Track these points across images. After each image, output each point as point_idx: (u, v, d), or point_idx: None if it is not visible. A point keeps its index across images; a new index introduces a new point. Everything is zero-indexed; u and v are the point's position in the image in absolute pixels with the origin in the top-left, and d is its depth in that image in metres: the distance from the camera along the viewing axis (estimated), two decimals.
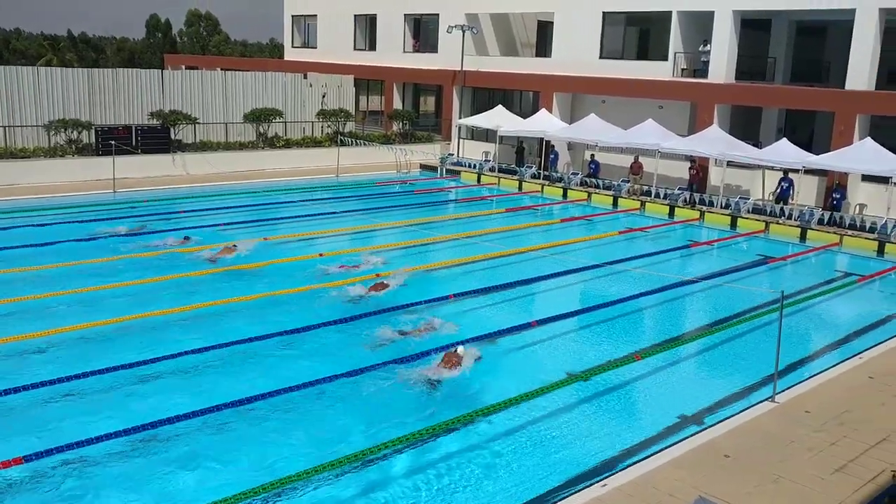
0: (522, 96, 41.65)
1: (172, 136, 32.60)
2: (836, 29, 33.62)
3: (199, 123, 34.09)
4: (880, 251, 24.36)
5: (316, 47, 51.37)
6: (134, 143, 31.08)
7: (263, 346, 14.06)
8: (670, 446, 11.00)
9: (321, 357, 13.83)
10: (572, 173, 33.92)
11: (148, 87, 33.70)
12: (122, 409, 11.63)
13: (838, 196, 26.83)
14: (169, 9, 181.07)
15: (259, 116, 35.40)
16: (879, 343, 15.67)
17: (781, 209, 27.45)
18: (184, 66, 51.64)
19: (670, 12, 33.31)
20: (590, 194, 31.75)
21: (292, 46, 54.06)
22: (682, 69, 33.76)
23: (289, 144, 36.31)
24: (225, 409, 11.35)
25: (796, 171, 27.24)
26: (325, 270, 19.05)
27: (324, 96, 39.44)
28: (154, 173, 30.96)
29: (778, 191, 28.09)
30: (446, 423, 11.23)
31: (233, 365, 13.47)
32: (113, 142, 29.40)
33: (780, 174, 28.21)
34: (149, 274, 18.05)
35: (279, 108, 36.71)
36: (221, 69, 41.82)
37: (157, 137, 31.84)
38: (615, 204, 30.68)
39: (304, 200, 28.23)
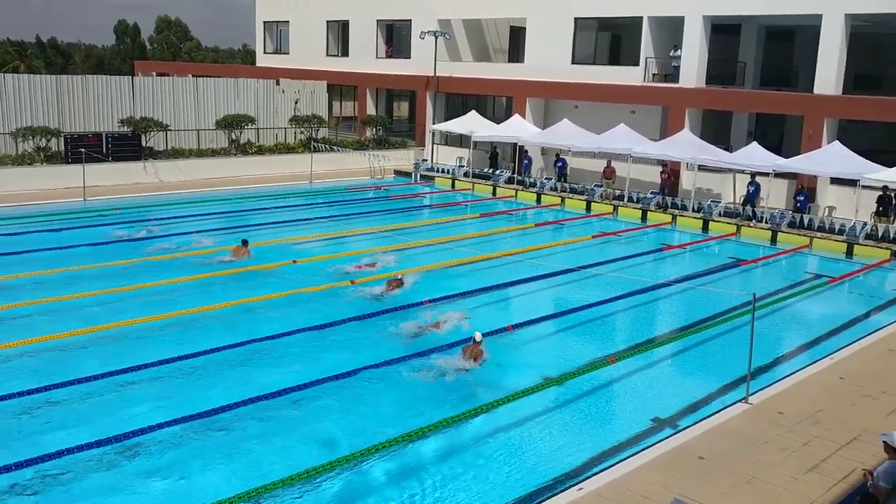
0: (496, 102, 41.76)
1: (144, 144, 32.30)
2: (805, 34, 34.08)
3: (170, 130, 33.81)
4: (849, 253, 24.68)
5: (288, 53, 51.16)
6: (104, 150, 30.76)
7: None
8: (645, 449, 11.06)
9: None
10: (546, 178, 34.05)
11: (118, 94, 33.36)
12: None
13: (802, 199, 27.16)
14: (137, 15, 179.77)
15: (231, 123, 35.18)
16: (850, 344, 15.88)
17: (753, 212, 27.74)
18: (154, 73, 51.23)
19: (641, 18, 33.57)
20: (563, 199, 31.88)
21: (264, 52, 53.81)
22: (654, 74, 34.03)
23: (261, 151, 36.12)
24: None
25: (766, 174, 27.54)
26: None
27: (296, 102, 39.29)
28: (125, 181, 30.65)
29: (745, 194, 28.40)
30: (419, 430, 11.19)
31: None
32: (83, 149, 29.06)
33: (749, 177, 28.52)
34: (126, 279, 17.90)
35: (251, 114, 36.51)
36: (193, 76, 41.50)
37: (127, 145, 31.54)
38: (588, 208, 30.83)
39: (277, 207, 28.05)
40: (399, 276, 18.70)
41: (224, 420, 11.62)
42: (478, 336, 14.20)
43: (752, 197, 28.16)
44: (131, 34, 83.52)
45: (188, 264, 19.89)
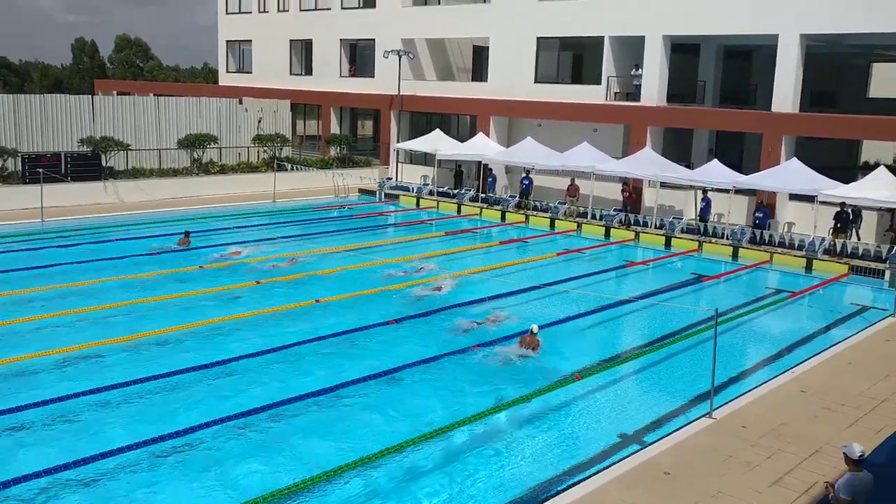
0: (460, 120, 41.94)
1: (104, 163, 31.87)
2: (762, 53, 34.77)
3: (131, 150, 33.42)
4: (808, 268, 25.07)
5: (251, 72, 50.98)
6: (63, 170, 30.29)
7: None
8: (611, 465, 11.07)
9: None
10: (510, 196, 34.21)
11: (77, 114, 32.91)
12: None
13: (761, 215, 27.58)
14: (94, 34, 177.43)
15: (193, 142, 34.88)
16: (810, 357, 16.08)
17: (705, 227, 28.11)
18: (115, 92, 50.70)
19: (602, 37, 34.00)
20: (527, 216, 32.03)
21: (227, 71, 53.56)
22: (616, 93, 34.44)
23: (224, 170, 35.84)
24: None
25: (726, 191, 27.91)
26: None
27: (259, 121, 39.11)
28: (85, 201, 30.20)
29: (699, 209, 28.81)
30: (379, 452, 11.11)
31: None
32: (41, 169, 28.58)
33: (713, 194, 28.88)
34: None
35: (214, 133, 36.25)
36: (154, 94, 41.14)
37: (87, 165, 31.09)
38: (552, 226, 30.99)
39: (240, 227, 27.79)
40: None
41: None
42: (535, 328, 16.00)
43: (704, 212, 28.58)
44: (89, 53, 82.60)
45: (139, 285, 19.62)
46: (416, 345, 16.14)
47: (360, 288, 20.06)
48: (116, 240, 24.91)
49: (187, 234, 24.45)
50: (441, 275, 21.05)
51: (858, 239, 26.06)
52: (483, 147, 35.01)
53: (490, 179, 35.40)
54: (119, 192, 31.47)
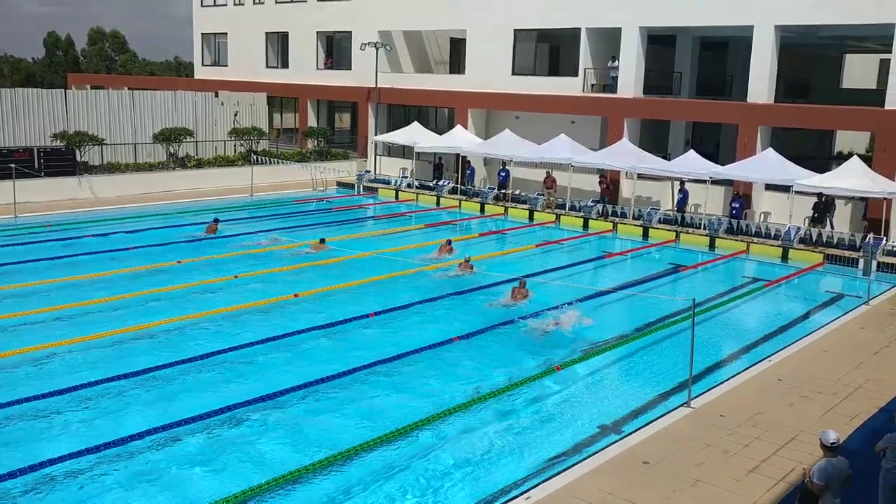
0: (438, 113, 41.87)
1: (78, 158, 31.52)
2: (737, 44, 34.99)
3: (105, 144, 33.08)
4: (784, 257, 25.31)
5: (227, 65, 50.55)
6: (36, 165, 29.93)
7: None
8: (591, 456, 11.13)
9: None
10: (489, 188, 34.23)
11: (50, 108, 32.52)
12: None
13: (737, 206, 27.80)
14: (68, 27, 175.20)
15: (169, 136, 34.59)
16: (787, 346, 16.25)
17: (683, 217, 28.30)
18: (89, 86, 50.09)
19: (579, 29, 34.04)
20: (506, 209, 32.07)
21: (203, 65, 53.06)
22: (592, 85, 34.52)
23: (201, 164, 35.57)
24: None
25: (703, 181, 28.09)
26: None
27: (236, 115, 38.84)
28: (59, 197, 29.88)
29: (676, 201, 29.01)
30: (346, 451, 11.11)
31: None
32: (13, 165, 28.22)
33: (690, 185, 29.07)
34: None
35: (190, 127, 35.96)
36: (129, 88, 40.72)
37: (61, 160, 30.74)
38: (531, 217, 31.06)
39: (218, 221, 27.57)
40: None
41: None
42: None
43: (681, 203, 28.78)
44: (63, 47, 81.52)
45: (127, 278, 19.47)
46: (393, 338, 16.15)
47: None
48: (97, 235, 24.65)
49: (217, 220, 25.59)
50: (459, 259, 22.21)
51: (833, 228, 26.34)
52: (461, 139, 34.99)
53: (469, 172, 35.40)
54: (94, 188, 31.15)
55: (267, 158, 36.67)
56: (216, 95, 38.82)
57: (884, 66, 32.43)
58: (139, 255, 22.24)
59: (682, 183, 28.85)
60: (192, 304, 17.89)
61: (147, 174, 33.29)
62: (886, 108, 26.63)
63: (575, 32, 34.35)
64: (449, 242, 23.92)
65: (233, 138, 37.79)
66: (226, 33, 50.50)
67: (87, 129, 32.63)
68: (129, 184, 32.04)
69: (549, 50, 38.45)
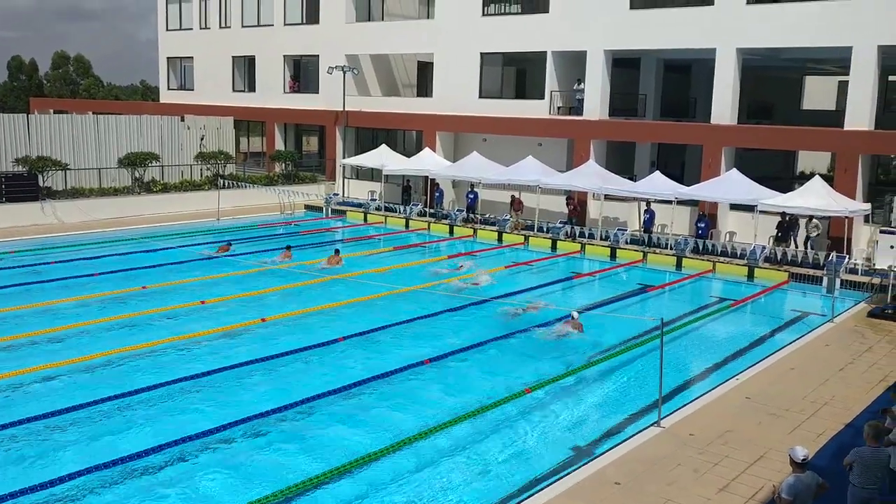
0: (406, 135, 41.96)
1: (41, 184, 31.08)
2: (701, 66, 35.56)
3: (69, 169, 32.65)
4: (750, 276, 25.60)
5: (193, 89, 50.31)
6: None
7: None
8: (562, 477, 11.08)
9: None
10: (457, 210, 34.30)
11: (12, 133, 32.09)
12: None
13: (703, 226, 28.12)
14: (30, 50, 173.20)
15: (134, 161, 34.26)
16: (754, 364, 16.39)
17: (649, 238, 28.55)
18: (52, 111, 49.52)
19: (545, 52, 34.38)
20: (475, 230, 32.13)
21: (168, 89, 52.77)
22: (559, 107, 34.83)
23: (167, 189, 35.24)
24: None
25: (669, 202, 28.39)
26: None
27: (202, 139, 38.60)
28: (22, 222, 29.42)
29: (643, 220, 29.28)
30: (319, 476, 10.97)
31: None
32: None
33: (656, 205, 29.35)
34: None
35: (156, 151, 35.66)
36: (93, 113, 40.32)
37: (23, 185, 30.26)
38: (500, 239, 31.13)
39: (183, 246, 27.31)
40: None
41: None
42: (575, 314, 18.83)
43: (648, 224, 29.05)
44: (27, 71, 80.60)
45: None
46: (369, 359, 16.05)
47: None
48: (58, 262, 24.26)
49: (229, 243, 26.81)
50: (476, 271, 24.17)
51: (796, 247, 26.72)
52: (430, 162, 35.05)
53: (437, 194, 35.46)
54: (58, 213, 30.70)
55: (234, 182, 36.43)
56: (182, 119, 38.56)
57: (842, 88, 33.19)
58: (105, 280, 21.92)
59: (648, 203, 29.14)
60: (160, 329, 17.65)
61: (112, 199, 32.90)
62: (846, 128, 27.18)
63: (541, 56, 34.68)
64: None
65: (199, 162, 37.53)
66: (192, 57, 50.29)
67: (51, 154, 32.21)
68: (94, 209, 31.64)
69: (516, 73, 38.78)
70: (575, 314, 18.89)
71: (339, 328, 18.08)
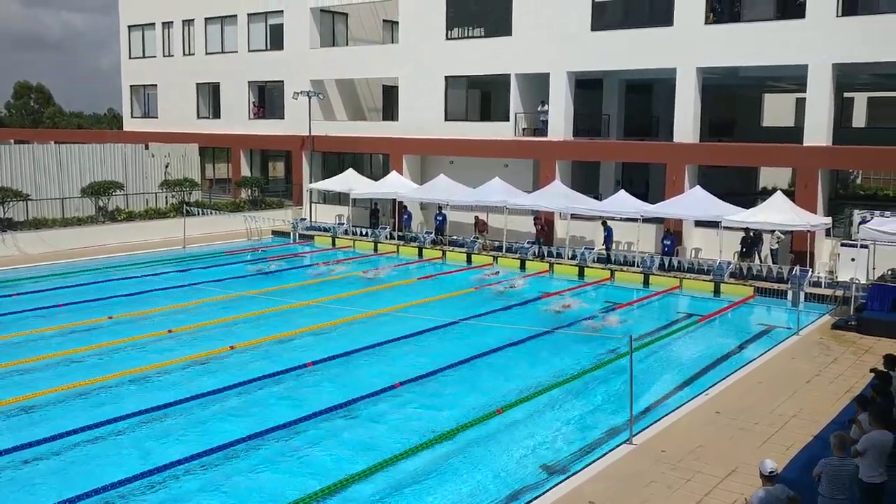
0: (373, 159, 42.00)
1: (2, 215, 30.60)
2: (662, 86, 36.05)
3: (31, 200, 32.19)
4: (716, 291, 25.88)
5: (157, 117, 49.99)
6: None
7: None
8: (537, 497, 11.07)
9: None
10: (426, 232, 34.34)
11: None
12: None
13: (669, 243, 28.42)
14: None
15: (98, 190, 33.87)
16: (723, 379, 16.54)
17: (608, 255, 28.80)
18: (12, 141, 48.89)
19: (509, 75, 34.68)
20: (444, 252, 32.17)
21: (132, 116, 52.36)
22: (524, 129, 35.10)
23: (131, 217, 34.87)
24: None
25: (635, 220, 28.65)
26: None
27: (167, 166, 38.30)
28: None
29: (603, 238, 29.57)
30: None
31: None
32: None
33: (622, 223, 29.64)
34: None
35: (119, 180, 35.29)
36: (55, 142, 39.87)
37: None
38: (469, 260, 31.19)
39: (147, 275, 26.98)
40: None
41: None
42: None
43: (607, 241, 29.34)
44: None
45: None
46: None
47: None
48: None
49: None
50: (514, 277, 27.42)
51: (761, 262, 27.10)
52: (397, 185, 35.09)
53: (406, 217, 35.48)
54: (19, 244, 30.23)
55: (200, 209, 36.16)
56: (146, 147, 38.25)
57: (800, 105, 33.81)
58: (69, 311, 21.60)
59: (604, 222, 29.47)
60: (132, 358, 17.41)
61: (76, 229, 32.45)
62: (805, 144, 27.70)
63: (505, 78, 34.97)
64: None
65: (164, 190, 37.22)
66: (155, 85, 49.99)
67: (11, 185, 31.76)
68: (56, 239, 31.19)
69: (481, 96, 39.05)
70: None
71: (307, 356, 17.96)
